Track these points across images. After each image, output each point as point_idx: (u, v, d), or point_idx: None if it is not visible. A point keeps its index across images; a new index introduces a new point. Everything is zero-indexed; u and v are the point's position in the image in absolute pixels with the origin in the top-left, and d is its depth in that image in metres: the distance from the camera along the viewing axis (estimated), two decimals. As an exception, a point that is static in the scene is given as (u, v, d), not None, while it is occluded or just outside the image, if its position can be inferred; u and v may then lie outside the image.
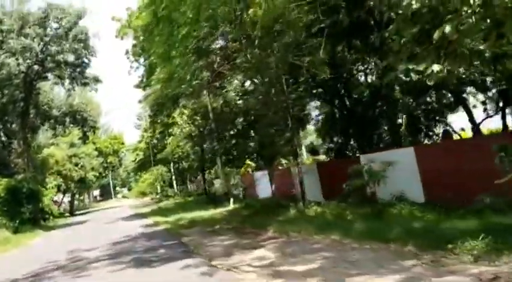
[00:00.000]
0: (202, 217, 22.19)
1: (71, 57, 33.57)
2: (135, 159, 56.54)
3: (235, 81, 25.04)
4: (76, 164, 53.57)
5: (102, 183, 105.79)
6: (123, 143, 69.55)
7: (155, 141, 52.53)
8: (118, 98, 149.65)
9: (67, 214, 52.11)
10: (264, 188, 25.96)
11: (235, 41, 18.12)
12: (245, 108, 24.39)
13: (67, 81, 34.74)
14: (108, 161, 65.91)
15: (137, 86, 30.73)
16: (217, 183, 36.27)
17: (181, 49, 16.14)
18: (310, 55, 15.50)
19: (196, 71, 18.94)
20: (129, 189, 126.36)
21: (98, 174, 62.83)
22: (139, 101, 31.71)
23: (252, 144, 26.99)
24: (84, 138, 36.90)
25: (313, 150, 35.33)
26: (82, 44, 32.58)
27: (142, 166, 58.01)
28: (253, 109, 22.97)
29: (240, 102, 25.89)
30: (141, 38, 24.43)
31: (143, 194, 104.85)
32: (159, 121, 30.19)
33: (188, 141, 38.96)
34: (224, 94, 25.59)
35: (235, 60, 18.77)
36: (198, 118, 30.45)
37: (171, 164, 51.43)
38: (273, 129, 21.64)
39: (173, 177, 51.46)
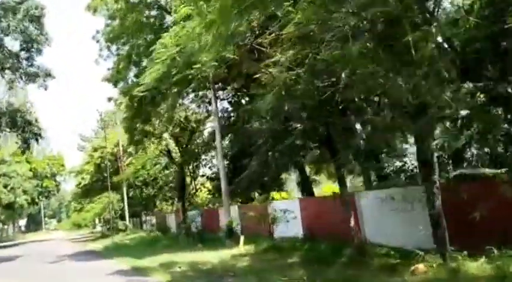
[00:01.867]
0: (211, 263, 14.76)
1: (16, 43, 25.56)
2: (79, 183, 47.27)
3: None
4: (5, 186, 43.92)
5: (30, 212, 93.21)
6: (63, 165, 59.64)
7: (107, 160, 44.02)
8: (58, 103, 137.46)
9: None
10: (286, 223, 18.95)
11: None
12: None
13: (7, 72, 26.48)
14: (44, 184, 55.78)
15: (107, 80, 23.15)
16: (193, 216, 28.79)
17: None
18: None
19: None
20: (59, 221, 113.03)
21: (30, 199, 52.67)
22: (110, 99, 24.00)
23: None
24: (24, 148, 28.01)
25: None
26: (35, 24, 24.72)
27: (87, 192, 48.75)
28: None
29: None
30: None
31: (78, 226, 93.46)
32: (136, 128, 22.50)
33: (163, 162, 31.50)
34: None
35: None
36: (191, 127, 23.32)
37: (124, 191, 42.95)
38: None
39: (126, 207, 42.93)
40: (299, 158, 17.83)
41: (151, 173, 33.91)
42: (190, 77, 14.68)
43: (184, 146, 26.58)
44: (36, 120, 27.70)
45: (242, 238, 17.48)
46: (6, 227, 78.25)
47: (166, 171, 35.56)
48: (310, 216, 16.59)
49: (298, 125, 12.64)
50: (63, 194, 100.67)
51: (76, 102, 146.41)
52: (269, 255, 14.45)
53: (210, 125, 26.59)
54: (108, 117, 55.10)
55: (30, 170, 52.50)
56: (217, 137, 19.64)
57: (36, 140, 27.81)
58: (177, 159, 27.10)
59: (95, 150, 46.85)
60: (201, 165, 39.46)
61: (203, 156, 37.93)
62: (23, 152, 27.42)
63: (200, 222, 27.77)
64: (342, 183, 14.35)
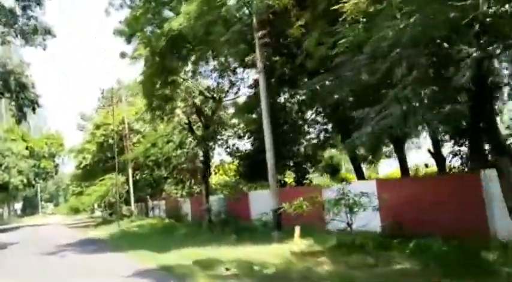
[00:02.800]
0: (272, 264, 10.63)
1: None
2: (80, 164, 43.05)
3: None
4: (-2, 164, 39.93)
5: (26, 194, 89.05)
6: (62, 145, 55.33)
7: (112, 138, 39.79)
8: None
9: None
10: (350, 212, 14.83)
11: None
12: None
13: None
14: (41, 165, 51.58)
15: (120, 33, 18.81)
16: (215, 202, 24.74)
17: None
18: None
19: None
20: (56, 205, 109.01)
21: (26, 180, 48.50)
22: (123, 55, 19.65)
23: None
24: (20, 117, 23.62)
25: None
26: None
27: (88, 174, 44.59)
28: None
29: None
30: None
31: (76, 211, 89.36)
32: (156, 89, 18.20)
33: (176, 139, 27.37)
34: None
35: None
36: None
37: (130, 173, 38.80)
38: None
39: (131, 190, 38.81)
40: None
41: (164, 152, 29.70)
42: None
43: (207, 117, 22.38)
44: (32, 85, 23.46)
45: (298, 230, 13.36)
46: (1, 210, 74.31)
47: (179, 151, 31.37)
48: (396, 202, 12.42)
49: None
50: (61, 177, 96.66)
51: (76, 80, 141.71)
52: (353, 257, 10.34)
53: (244, 92, 22.44)
54: (112, 93, 50.98)
55: (27, 148, 48.24)
56: (262, 94, 15.34)
57: (33, 109, 23.57)
58: (199, 132, 22.90)
59: (98, 127, 42.61)
60: (216, 145, 35.38)
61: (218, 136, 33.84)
62: (19, 121, 23.17)
63: (224, 209, 23.77)
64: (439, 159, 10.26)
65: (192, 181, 36.15)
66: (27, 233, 37.68)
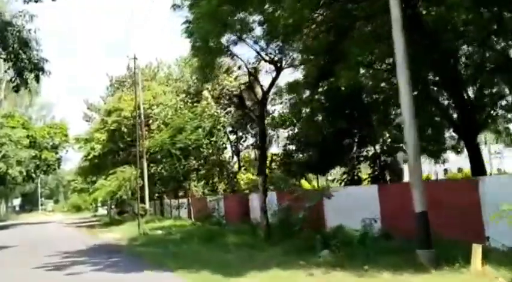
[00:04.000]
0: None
1: None
2: (88, 154, 37.57)
3: None
4: (-6, 152, 34.67)
5: (25, 190, 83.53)
6: (66, 135, 49.82)
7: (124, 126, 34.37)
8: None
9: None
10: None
11: None
12: None
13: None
14: (43, 156, 46.10)
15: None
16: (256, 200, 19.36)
17: None
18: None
19: None
20: (56, 202, 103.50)
21: (25, 173, 43.04)
22: (174, 6, 14.07)
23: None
24: (20, 83, 17.99)
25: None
26: None
27: (96, 167, 39.15)
28: None
29: None
30: None
31: (78, 208, 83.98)
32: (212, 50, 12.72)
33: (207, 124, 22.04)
34: None
35: None
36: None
37: (145, 165, 33.37)
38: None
39: (146, 185, 33.37)
40: None
41: (193, 139, 24.16)
42: None
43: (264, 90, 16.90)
44: (36, 42, 17.99)
45: (479, 250, 7.90)
46: (-3, 205, 69.20)
47: (205, 141, 25.95)
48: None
49: None
50: (62, 174, 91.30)
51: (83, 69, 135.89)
52: None
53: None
54: (124, 78, 45.68)
55: (27, 137, 42.79)
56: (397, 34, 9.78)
57: (37, 77, 18.06)
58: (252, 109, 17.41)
59: (109, 113, 37.15)
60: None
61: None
62: (17, 89, 17.64)
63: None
64: None
65: (217, 177, 30.81)
66: (26, 233, 32.40)
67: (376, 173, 18.40)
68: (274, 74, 16.86)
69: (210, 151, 27.95)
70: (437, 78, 15.12)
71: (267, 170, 33.86)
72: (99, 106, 52.42)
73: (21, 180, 42.38)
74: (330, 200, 14.32)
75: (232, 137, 30.52)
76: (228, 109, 28.65)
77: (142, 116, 34.33)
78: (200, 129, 24.37)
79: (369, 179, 18.72)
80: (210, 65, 14.07)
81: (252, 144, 30.15)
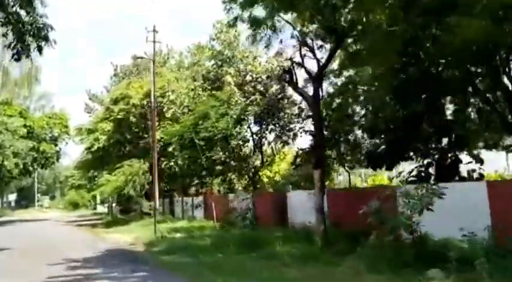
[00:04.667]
0: None
1: None
2: (92, 146, 34.25)
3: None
4: (-12, 141, 31.45)
5: (21, 185, 80.00)
6: (66, 127, 46.44)
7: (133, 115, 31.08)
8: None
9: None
10: None
11: None
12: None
13: None
14: (41, 149, 42.72)
15: None
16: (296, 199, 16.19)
17: None
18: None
19: None
20: (52, 199, 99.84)
21: (22, 165, 39.70)
22: None
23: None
24: (21, 50, 14.80)
25: None
26: None
27: (100, 160, 35.85)
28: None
29: None
30: None
31: (75, 206, 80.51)
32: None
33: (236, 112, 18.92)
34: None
35: None
36: None
37: (155, 157, 30.09)
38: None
39: (155, 180, 30.10)
40: None
41: (221, 127, 20.84)
42: None
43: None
44: (41, 2, 14.72)
45: None
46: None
47: (233, 131, 22.71)
48: None
49: None
50: (59, 170, 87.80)
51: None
52: None
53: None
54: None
55: (25, 127, 39.45)
56: None
57: (39, 48, 14.79)
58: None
59: (115, 102, 33.88)
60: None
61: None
62: (18, 58, 14.41)
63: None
64: None
65: (238, 173, 27.57)
66: (23, 232, 29.17)
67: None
68: (332, 45, 13.66)
69: (236, 143, 24.85)
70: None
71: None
72: (102, 97, 49.23)
73: (17, 174, 39.00)
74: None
75: (255, 129, 27.22)
76: (253, 97, 25.42)
77: (154, 104, 31.15)
78: (227, 117, 21.09)
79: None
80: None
81: (277, 135, 26.90)
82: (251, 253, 12.78)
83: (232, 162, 22.81)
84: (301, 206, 16.60)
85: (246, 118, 24.49)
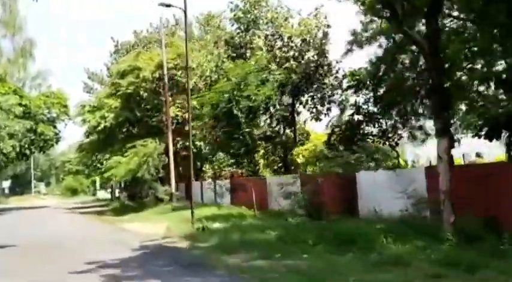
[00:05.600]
0: None
1: None
2: (98, 125, 30.54)
3: None
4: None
5: (16, 171, 76.14)
6: (65, 106, 42.45)
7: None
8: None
9: None
10: None
11: None
12: None
13: None
14: (39, 130, 38.82)
15: None
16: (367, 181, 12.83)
17: None
18: None
19: None
20: (47, 185, 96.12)
21: (18, 148, 35.89)
22: None
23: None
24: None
25: None
26: None
27: (105, 141, 32.21)
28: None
29: None
30: None
31: (73, 192, 77.27)
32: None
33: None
34: None
35: None
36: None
37: (170, 137, 26.59)
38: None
39: (171, 162, 26.55)
40: None
41: (265, 95, 17.25)
42: None
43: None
44: None
45: None
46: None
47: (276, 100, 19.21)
48: None
49: None
50: (55, 155, 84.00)
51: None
52: None
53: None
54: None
55: (20, 105, 35.58)
56: None
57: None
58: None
59: (123, 75, 30.15)
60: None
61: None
62: None
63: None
64: None
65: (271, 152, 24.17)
66: (24, 222, 25.78)
67: None
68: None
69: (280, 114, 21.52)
70: None
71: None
72: (102, 74, 45.50)
73: (14, 157, 35.24)
74: None
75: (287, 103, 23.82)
76: (286, 64, 22.10)
77: (166, 76, 27.57)
78: (271, 83, 17.55)
79: None
80: None
81: (312, 111, 23.59)
82: (348, 253, 9.45)
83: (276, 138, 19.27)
84: (381, 189, 13.31)
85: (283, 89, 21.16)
